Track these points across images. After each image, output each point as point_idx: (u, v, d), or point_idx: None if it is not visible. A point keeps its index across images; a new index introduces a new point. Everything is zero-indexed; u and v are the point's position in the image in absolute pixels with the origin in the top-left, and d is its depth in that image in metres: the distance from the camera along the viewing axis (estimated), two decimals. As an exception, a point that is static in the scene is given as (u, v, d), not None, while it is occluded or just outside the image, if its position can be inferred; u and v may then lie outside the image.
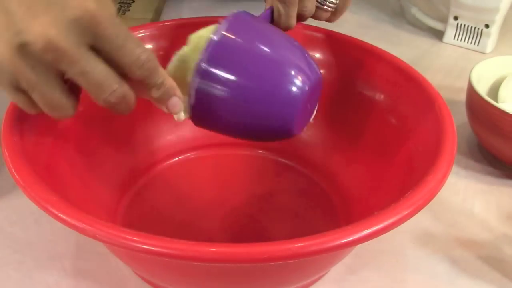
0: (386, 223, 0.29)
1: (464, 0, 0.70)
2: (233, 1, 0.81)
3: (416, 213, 0.31)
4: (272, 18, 0.43)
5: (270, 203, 0.47)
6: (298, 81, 0.37)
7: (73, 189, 0.39)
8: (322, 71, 0.41)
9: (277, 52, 0.38)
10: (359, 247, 0.34)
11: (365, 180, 0.45)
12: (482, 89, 0.53)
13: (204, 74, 0.36)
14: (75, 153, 0.41)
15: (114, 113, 0.33)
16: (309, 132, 0.51)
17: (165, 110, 0.35)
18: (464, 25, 0.73)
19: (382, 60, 0.47)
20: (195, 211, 0.46)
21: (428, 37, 0.78)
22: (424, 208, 0.31)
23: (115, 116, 0.34)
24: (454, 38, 0.75)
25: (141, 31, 0.49)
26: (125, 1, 0.77)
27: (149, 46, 0.49)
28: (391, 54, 0.47)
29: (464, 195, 0.50)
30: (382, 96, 0.47)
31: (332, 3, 0.45)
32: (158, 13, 0.77)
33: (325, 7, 0.45)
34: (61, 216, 0.29)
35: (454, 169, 0.52)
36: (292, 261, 0.28)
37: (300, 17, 0.44)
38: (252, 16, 0.40)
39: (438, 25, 0.77)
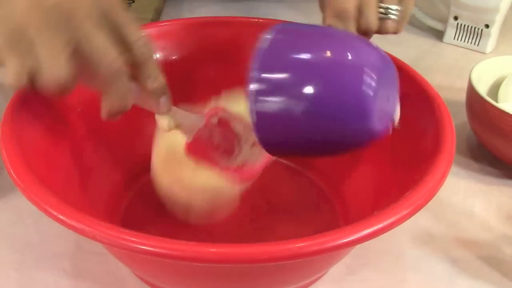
0: (385, 223, 0.30)
1: (464, 0, 0.70)
2: (233, 1, 0.81)
3: (416, 213, 0.31)
4: None
5: (270, 203, 0.47)
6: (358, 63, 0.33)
7: (73, 190, 0.39)
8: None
9: (327, 46, 0.34)
10: (358, 247, 0.34)
11: (365, 180, 0.45)
12: (482, 89, 0.53)
13: (260, 90, 0.32)
14: (74, 153, 0.41)
15: (112, 105, 0.32)
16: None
17: (153, 107, 0.35)
18: (464, 25, 0.73)
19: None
20: (195, 211, 0.46)
21: (428, 37, 0.78)
22: (424, 208, 0.32)
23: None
24: (454, 38, 0.75)
25: (141, 31, 0.49)
26: (125, 1, 0.77)
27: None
28: (390, 54, 0.47)
29: (464, 195, 0.50)
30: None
31: (396, 10, 0.41)
32: (158, 13, 0.77)
33: (389, 15, 0.41)
34: (60, 217, 0.29)
35: (454, 169, 0.52)
36: (292, 261, 0.28)
37: (365, 33, 0.41)
38: (297, 23, 0.38)
39: (438, 25, 0.77)
